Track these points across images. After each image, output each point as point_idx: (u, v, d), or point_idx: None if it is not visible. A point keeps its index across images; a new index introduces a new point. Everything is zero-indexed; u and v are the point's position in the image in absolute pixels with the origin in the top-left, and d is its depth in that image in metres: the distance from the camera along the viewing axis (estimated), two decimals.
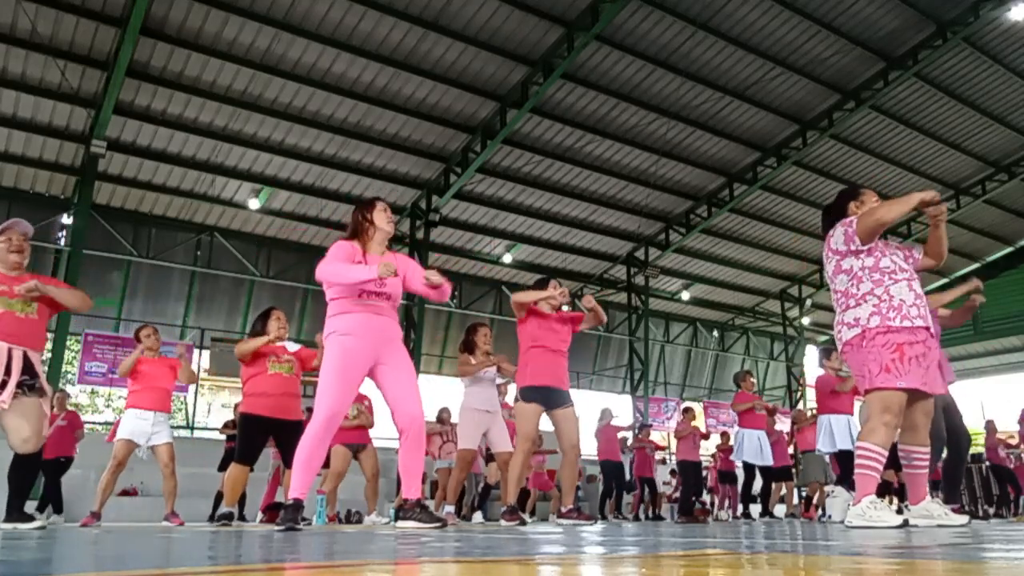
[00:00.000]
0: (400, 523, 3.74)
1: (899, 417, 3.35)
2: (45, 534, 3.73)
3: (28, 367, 4.12)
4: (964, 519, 3.67)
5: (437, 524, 3.60)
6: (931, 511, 3.58)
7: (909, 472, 3.65)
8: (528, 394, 4.99)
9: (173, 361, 6.25)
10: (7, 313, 4.09)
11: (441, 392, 13.42)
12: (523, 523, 5.02)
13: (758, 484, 9.58)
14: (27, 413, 4.08)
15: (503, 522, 5.06)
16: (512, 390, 8.46)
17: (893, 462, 4.22)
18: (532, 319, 5.12)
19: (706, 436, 11.12)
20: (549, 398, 4.99)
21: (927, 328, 3.36)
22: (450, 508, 6.04)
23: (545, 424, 5.24)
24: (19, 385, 4.04)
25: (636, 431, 13.97)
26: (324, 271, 3.55)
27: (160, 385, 5.99)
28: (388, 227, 3.85)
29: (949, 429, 4.80)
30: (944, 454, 5.34)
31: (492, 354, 6.04)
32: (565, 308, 5.44)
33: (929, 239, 3.64)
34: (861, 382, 3.43)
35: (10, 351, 4.05)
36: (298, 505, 3.59)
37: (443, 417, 9.44)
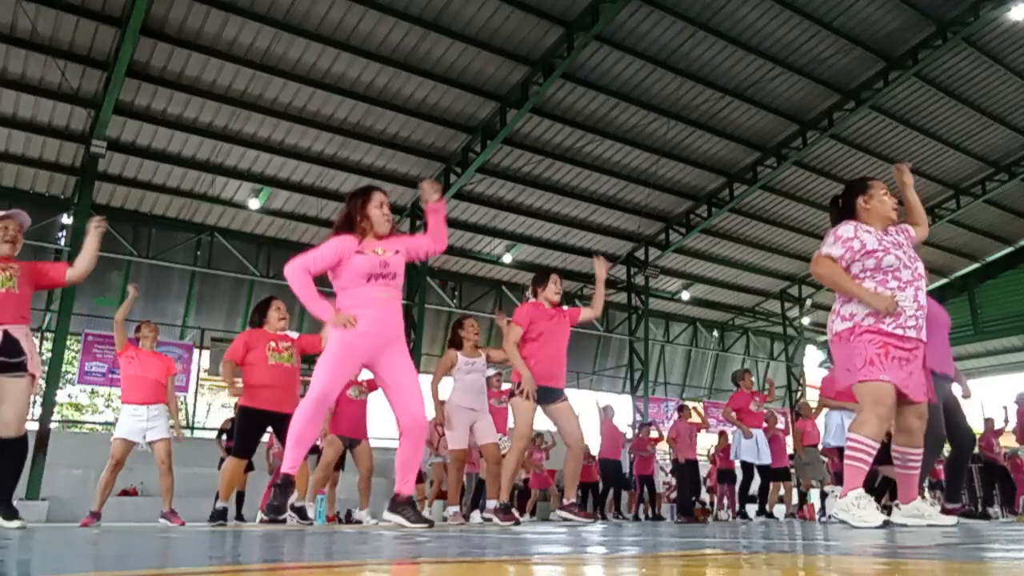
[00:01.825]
0: (387, 515, 3.79)
1: (892, 410, 3.35)
2: (46, 534, 3.72)
3: (11, 345, 4.04)
4: (953, 519, 3.70)
5: (424, 524, 3.66)
6: (921, 510, 3.60)
7: (902, 472, 3.66)
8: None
9: (168, 360, 6.24)
10: None
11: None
12: (517, 523, 5.01)
13: (756, 484, 9.58)
14: (8, 395, 4.01)
15: (496, 521, 5.05)
16: (503, 384, 8.45)
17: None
18: (531, 313, 5.12)
19: (704, 426, 11.09)
20: (544, 396, 5.00)
21: (917, 339, 3.37)
22: (455, 508, 6.04)
23: (546, 422, 5.25)
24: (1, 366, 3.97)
25: (636, 430, 13.98)
26: (293, 278, 3.53)
27: (152, 377, 5.95)
28: (383, 225, 3.72)
29: (952, 429, 4.77)
30: (946, 454, 5.33)
31: (482, 346, 6.09)
32: (564, 308, 5.46)
33: (906, 210, 3.74)
34: (847, 376, 3.44)
35: None
36: (288, 482, 3.63)
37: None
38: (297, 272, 3.55)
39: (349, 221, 3.69)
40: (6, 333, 4.05)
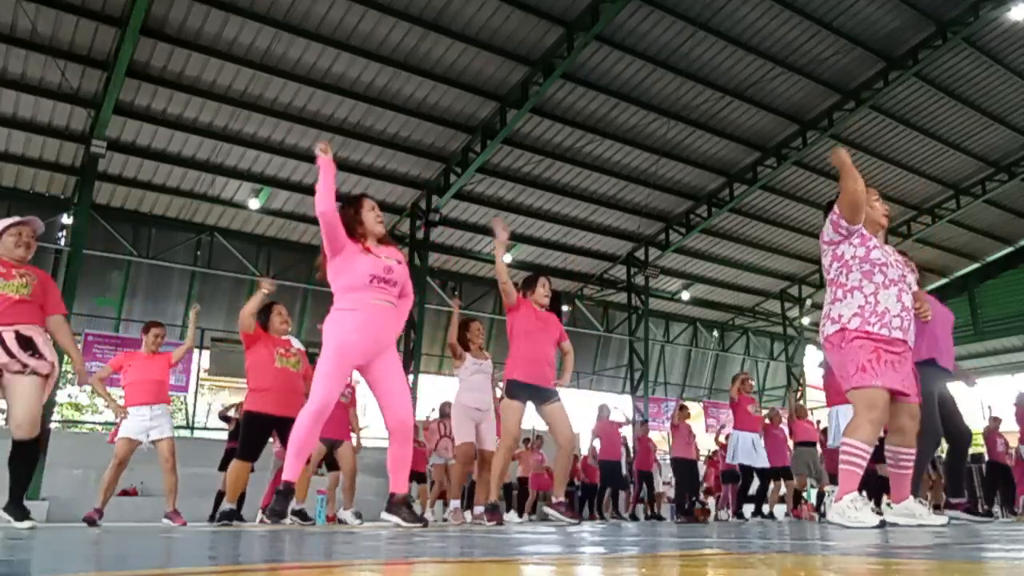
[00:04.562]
0: (384, 515, 3.89)
1: (885, 414, 3.39)
2: (47, 534, 3.73)
3: (25, 343, 4.06)
4: (943, 519, 3.72)
5: (419, 524, 3.76)
6: (912, 510, 3.62)
7: (894, 472, 3.71)
8: (515, 390, 5.03)
9: (166, 355, 6.25)
10: (1, 296, 4.07)
11: (440, 392, 13.39)
12: (500, 523, 5.02)
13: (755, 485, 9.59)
14: (19, 396, 4.02)
15: (485, 521, 5.07)
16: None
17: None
18: (524, 307, 5.16)
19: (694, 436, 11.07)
20: (536, 395, 5.02)
21: (904, 341, 3.40)
22: (456, 504, 6.06)
23: (540, 422, 5.27)
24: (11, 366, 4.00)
25: (635, 429, 13.97)
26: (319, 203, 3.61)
27: (153, 377, 5.96)
28: (378, 227, 3.81)
29: (947, 426, 4.79)
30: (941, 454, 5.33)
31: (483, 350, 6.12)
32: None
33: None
34: (841, 381, 3.47)
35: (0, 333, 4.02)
36: (289, 489, 3.70)
37: (445, 411, 9.42)
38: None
39: (347, 228, 3.75)
40: (18, 333, 4.06)
